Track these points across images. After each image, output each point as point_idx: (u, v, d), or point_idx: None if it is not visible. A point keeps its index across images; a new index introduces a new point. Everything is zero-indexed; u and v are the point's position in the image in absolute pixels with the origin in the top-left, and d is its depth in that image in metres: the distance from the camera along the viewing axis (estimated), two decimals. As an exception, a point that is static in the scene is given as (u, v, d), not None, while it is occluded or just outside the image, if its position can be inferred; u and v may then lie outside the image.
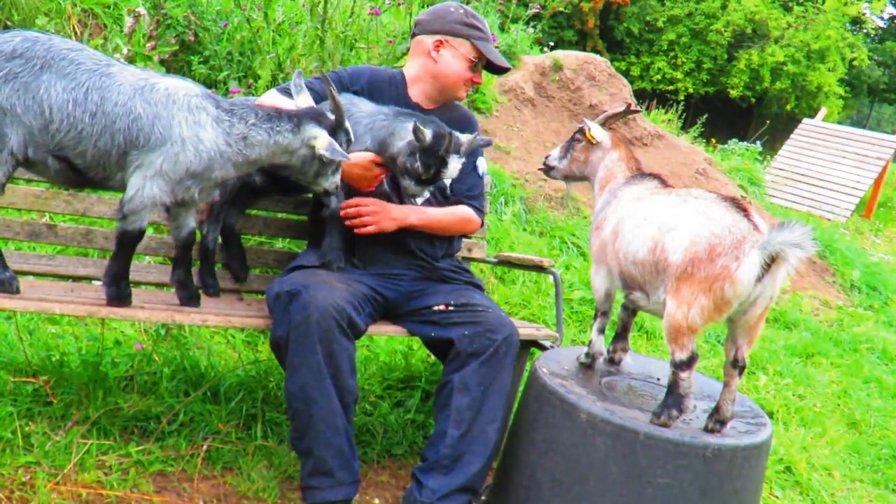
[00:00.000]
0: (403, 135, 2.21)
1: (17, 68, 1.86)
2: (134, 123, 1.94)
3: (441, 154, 2.14)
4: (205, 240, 2.41)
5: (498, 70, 2.53)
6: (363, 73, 2.47)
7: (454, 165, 2.18)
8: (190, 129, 1.98)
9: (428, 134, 2.13)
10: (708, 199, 1.94)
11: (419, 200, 2.42)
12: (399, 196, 2.40)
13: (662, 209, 2.01)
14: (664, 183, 2.22)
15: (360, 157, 2.24)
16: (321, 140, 2.04)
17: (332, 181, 2.13)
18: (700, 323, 1.83)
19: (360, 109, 2.30)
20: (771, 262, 1.76)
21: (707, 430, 1.93)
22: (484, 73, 2.55)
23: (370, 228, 2.26)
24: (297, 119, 2.06)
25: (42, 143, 1.93)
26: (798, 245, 1.71)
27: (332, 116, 2.08)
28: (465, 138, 2.24)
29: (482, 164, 2.57)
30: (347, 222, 2.27)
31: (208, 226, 2.41)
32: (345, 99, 2.32)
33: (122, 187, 2.01)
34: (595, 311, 2.31)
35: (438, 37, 2.41)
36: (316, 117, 2.07)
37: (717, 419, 1.94)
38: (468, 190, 2.51)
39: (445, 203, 2.48)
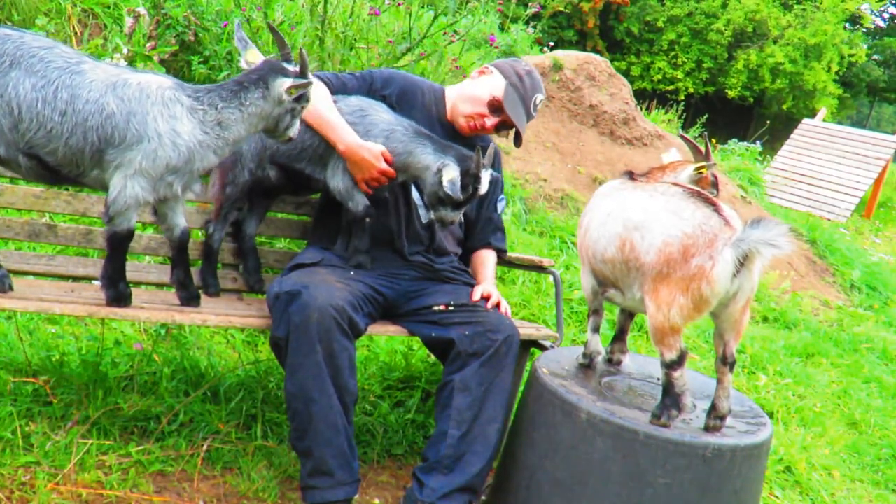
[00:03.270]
0: (424, 161, 2.23)
1: None
2: (108, 121, 1.91)
3: (474, 173, 2.18)
4: (210, 239, 2.40)
5: (516, 137, 2.48)
6: (395, 80, 2.46)
7: (486, 179, 2.22)
8: (166, 124, 1.94)
9: (454, 175, 2.17)
10: (675, 194, 1.91)
11: (433, 215, 2.43)
12: (408, 204, 2.41)
13: (626, 205, 2.00)
14: (632, 177, 2.22)
15: (372, 146, 2.23)
16: (288, 83, 1.98)
17: (294, 127, 2.08)
18: (682, 322, 1.83)
19: (378, 115, 2.29)
20: (745, 259, 1.75)
21: (707, 428, 1.93)
22: None
23: (505, 308, 2.35)
24: (262, 81, 2.00)
25: (12, 142, 1.91)
26: (772, 244, 1.70)
27: (292, 66, 2.02)
28: (488, 153, 2.28)
29: (502, 203, 2.65)
30: (500, 310, 2.32)
31: (215, 225, 2.40)
32: (365, 102, 2.32)
33: (96, 184, 2.01)
34: (588, 311, 2.32)
35: (489, 66, 2.46)
36: (279, 69, 2.00)
37: (715, 416, 1.94)
38: (494, 225, 2.62)
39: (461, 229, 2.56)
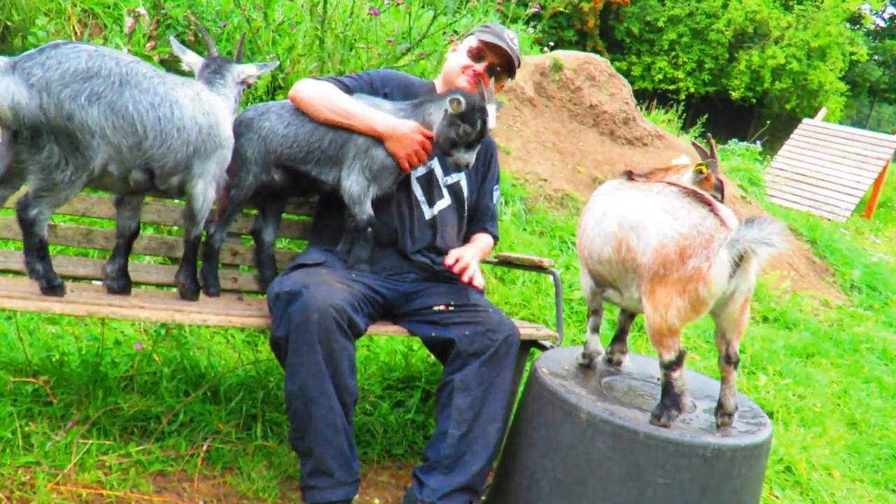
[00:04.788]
0: (433, 117, 2.27)
1: (98, 87, 1.81)
2: (201, 133, 2.05)
3: (481, 105, 2.20)
4: (211, 239, 2.40)
5: (507, 61, 2.46)
6: (391, 78, 2.50)
7: (493, 116, 2.25)
8: (227, 130, 2.15)
9: (462, 100, 2.20)
10: (670, 194, 1.91)
11: (436, 209, 2.46)
12: (410, 202, 2.42)
13: (621, 205, 2.00)
14: (630, 176, 2.22)
15: (406, 121, 2.27)
16: (250, 68, 2.32)
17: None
18: (679, 324, 1.83)
19: (383, 109, 2.33)
20: (741, 258, 1.75)
21: (717, 426, 1.95)
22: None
23: (477, 283, 2.30)
24: (229, 67, 2.28)
25: (129, 160, 1.95)
26: (767, 242, 1.70)
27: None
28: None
29: (497, 192, 2.67)
30: (464, 277, 2.28)
31: (216, 226, 2.40)
32: (367, 100, 2.34)
33: (170, 190, 2.12)
34: (587, 311, 2.31)
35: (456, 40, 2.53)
36: (228, 60, 2.31)
37: (723, 414, 1.96)
38: (490, 213, 2.63)
39: (463, 211, 2.55)
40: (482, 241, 2.58)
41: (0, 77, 1.72)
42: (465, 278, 2.27)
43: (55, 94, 1.75)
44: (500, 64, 2.46)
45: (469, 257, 2.33)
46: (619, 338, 2.36)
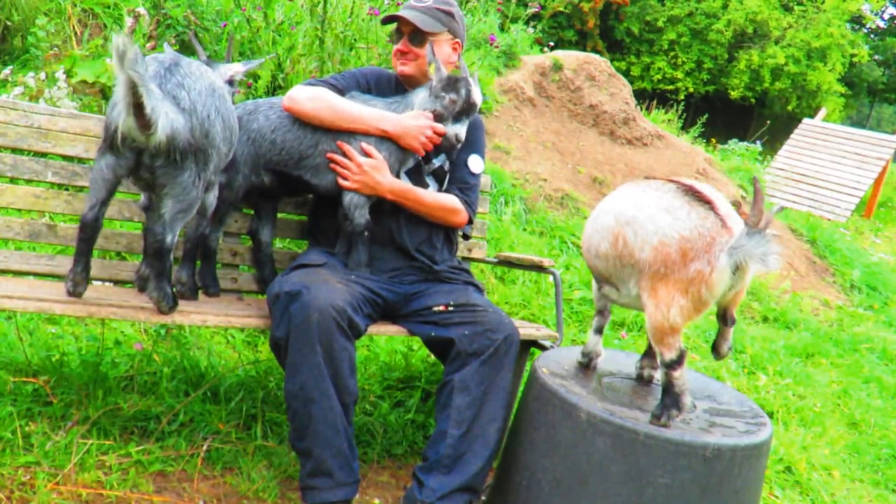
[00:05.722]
0: (419, 98, 2.32)
1: (217, 102, 1.88)
2: (232, 134, 2.07)
3: (463, 77, 2.26)
4: (206, 240, 2.40)
5: (407, 25, 2.41)
6: (367, 72, 2.53)
7: (477, 89, 2.29)
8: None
9: (441, 70, 2.27)
10: (668, 191, 1.90)
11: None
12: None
13: (619, 200, 2.01)
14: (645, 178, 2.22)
15: (409, 114, 2.30)
16: (236, 66, 2.26)
17: None
18: (681, 322, 1.84)
19: (377, 107, 2.36)
20: (737, 266, 1.77)
21: (715, 357, 2.05)
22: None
23: (346, 184, 2.29)
24: (215, 66, 2.22)
25: (220, 165, 2.03)
26: (762, 261, 1.71)
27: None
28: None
29: (474, 161, 2.55)
30: (331, 166, 2.31)
31: (211, 227, 2.40)
32: (361, 100, 2.37)
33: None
34: (595, 310, 2.31)
35: None
36: (215, 61, 2.29)
37: (717, 355, 2.06)
38: (460, 182, 2.52)
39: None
40: (437, 193, 2.46)
41: (159, 105, 1.67)
42: (356, 165, 2.26)
43: (199, 114, 1.79)
44: (413, 27, 2.40)
45: (363, 163, 2.27)
46: (649, 353, 2.29)
